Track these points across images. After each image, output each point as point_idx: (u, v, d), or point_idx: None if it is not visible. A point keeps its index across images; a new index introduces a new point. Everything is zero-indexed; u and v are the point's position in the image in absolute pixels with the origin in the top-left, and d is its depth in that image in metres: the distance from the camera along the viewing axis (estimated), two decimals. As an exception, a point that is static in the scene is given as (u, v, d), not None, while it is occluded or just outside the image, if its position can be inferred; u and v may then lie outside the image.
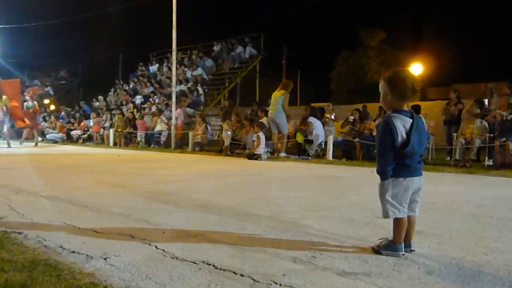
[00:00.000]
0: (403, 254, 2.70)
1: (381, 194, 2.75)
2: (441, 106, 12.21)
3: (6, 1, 26.29)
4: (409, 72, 2.82)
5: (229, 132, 12.60)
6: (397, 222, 2.73)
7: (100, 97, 24.90)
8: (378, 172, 2.73)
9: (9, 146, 14.71)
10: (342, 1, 33.86)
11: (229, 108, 15.44)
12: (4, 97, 15.53)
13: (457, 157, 9.26)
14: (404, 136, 2.62)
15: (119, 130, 17.87)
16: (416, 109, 10.38)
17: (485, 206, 4.61)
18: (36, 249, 2.75)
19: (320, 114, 12.34)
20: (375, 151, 2.84)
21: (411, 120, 2.66)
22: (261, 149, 10.76)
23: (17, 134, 17.77)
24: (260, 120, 12.22)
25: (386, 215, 2.73)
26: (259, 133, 10.93)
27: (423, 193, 2.83)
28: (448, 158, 10.42)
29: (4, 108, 15.28)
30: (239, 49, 22.85)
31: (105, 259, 2.58)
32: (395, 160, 2.66)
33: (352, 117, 11.58)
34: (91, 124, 20.14)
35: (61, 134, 20.59)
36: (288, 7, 35.51)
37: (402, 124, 2.64)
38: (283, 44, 32.49)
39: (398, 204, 2.70)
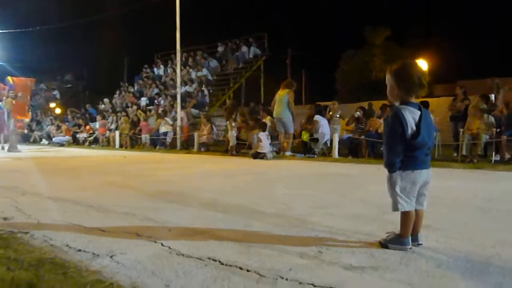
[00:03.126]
0: (410, 248, 2.68)
1: (390, 187, 2.72)
2: (447, 103, 12.14)
3: (11, 6, 26.48)
4: (416, 65, 2.75)
5: (234, 132, 12.59)
6: (405, 215, 2.70)
7: (106, 100, 24.97)
8: (386, 164, 2.71)
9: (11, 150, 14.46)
10: (346, -1, 33.77)
11: (232, 107, 15.42)
12: (8, 99, 15.22)
13: (464, 152, 9.21)
14: (414, 127, 2.60)
15: (125, 132, 17.93)
16: (425, 105, 10.30)
17: (493, 200, 4.58)
18: (42, 248, 2.75)
19: (325, 112, 12.33)
20: (382, 148, 2.83)
21: (419, 112, 2.64)
22: (266, 148, 10.73)
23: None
24: (263, 120, 12.19)
25: (395, 208, 2.71)
26: (258, 134, 10.87)
27: (430, 187, 2.81)
28: (455, 154, 10.35)
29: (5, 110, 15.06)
30: (244, 49, 22.84)
31: (111, 257, 2.58)
32: (403, 153, 2.64)
33: (357, 113, 11.54)
34: (97, 126, 20.22)
35: (67, 137, 20.70)
36: (292, 6, 35.44)
37: (411, 116, 2.62)
38: (287, 43, 32.47)
39: (406, 197, 2.67)
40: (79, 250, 2.71)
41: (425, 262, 2.46)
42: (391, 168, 2.68)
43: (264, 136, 10.82)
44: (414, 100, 2.72)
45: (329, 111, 12.64)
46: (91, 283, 2.13)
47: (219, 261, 2.47)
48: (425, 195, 2.76)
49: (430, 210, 2.92)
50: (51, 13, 29.63)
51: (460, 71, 26.23)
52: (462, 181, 6.27)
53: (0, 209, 4.07)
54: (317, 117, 11.59)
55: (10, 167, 9.35)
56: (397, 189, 2.67)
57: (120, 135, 17.90)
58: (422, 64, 22.39)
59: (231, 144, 12.53)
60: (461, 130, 10.08)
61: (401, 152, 2.64)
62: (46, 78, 32.69)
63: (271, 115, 12.27)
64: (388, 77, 2.78)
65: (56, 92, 30.51)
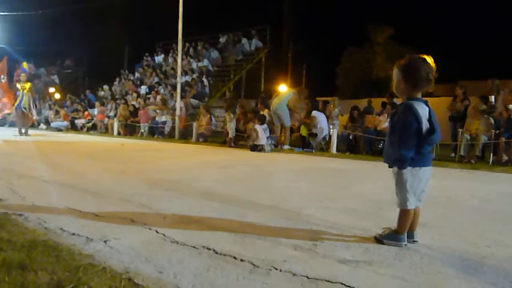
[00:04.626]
0: (406, 244, 2.67)
1: (400, 184, 2.66)
2: (447, 103, 12.11)
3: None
4: (424, 60, 2.64)
5: (232, 124, 12.55)
6: (405, 212, 2.68)
7: (105, 87, 24.83)
8: (398, 160, 2.62)
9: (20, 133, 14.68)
10: (350, -5, 33.51)
11: (232, 99, 15.40)
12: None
13: (461, 153, 9.20)
14: (427, 123, 2.57)
15: (122, 119, 17.85)
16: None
17: (490, 201, 4.57)
18: (36, 231, 2.74)
19: (324, 107, 12.32)
20: (380, 145, 2.78)
21: (427, 108, 2.61)
22: (264, 141, 10.71)
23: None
24: (261, 113, 12.17)
25: (404, 205, 2.66)
26: (255, 126, 10.87)
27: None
28: (453, 155, 10.35)
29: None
30: (245, 41, 22.74)
31: (105, 241, 2.57)
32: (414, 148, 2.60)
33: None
34: (96, 113, 20.13)
35: (65, 122, 20.58)
36: (295, 0, 35.20)
37: (422, 111, 2.58)
38: (289, 37, 32.32)
39: (414, 194, 2.65)
40: (73, 234, 2.70)
41: (420, 258, 2.45)
42: (403, 164, 2.60)
43: (260, 129, 10.79)
44: (420, 95, 2.67)
45: (330, 106, 12.64)
46: (83, 267, 2.12)
47: (213, 250, 2.46)
48: (425, 191, 2.74)
49: (426, 208, 2.91)
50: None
51: (461, 71, 26.13)
52: (459, 181, 6.26)
53: (-5, 190, 4.05)
54: (314, 113, 11.57)
55: (8, 150, 9.31)
56: (408, 186, 2.63)
57: (118, 122, 17.82)
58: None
59: (229, 135, 12.50)
60: (459, 130, 10.07)
61: (413, 147, 2.58)
62: (46, 62, 32.46)
63: (269, 108, 12.28)
64: (395, 72, 2.72)
65: (55, 77, 30.32)
